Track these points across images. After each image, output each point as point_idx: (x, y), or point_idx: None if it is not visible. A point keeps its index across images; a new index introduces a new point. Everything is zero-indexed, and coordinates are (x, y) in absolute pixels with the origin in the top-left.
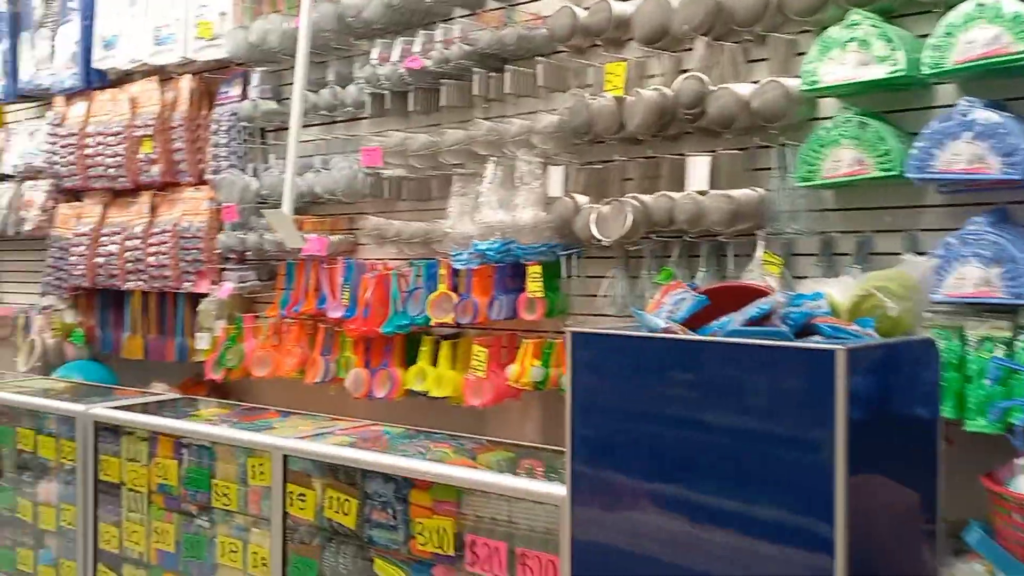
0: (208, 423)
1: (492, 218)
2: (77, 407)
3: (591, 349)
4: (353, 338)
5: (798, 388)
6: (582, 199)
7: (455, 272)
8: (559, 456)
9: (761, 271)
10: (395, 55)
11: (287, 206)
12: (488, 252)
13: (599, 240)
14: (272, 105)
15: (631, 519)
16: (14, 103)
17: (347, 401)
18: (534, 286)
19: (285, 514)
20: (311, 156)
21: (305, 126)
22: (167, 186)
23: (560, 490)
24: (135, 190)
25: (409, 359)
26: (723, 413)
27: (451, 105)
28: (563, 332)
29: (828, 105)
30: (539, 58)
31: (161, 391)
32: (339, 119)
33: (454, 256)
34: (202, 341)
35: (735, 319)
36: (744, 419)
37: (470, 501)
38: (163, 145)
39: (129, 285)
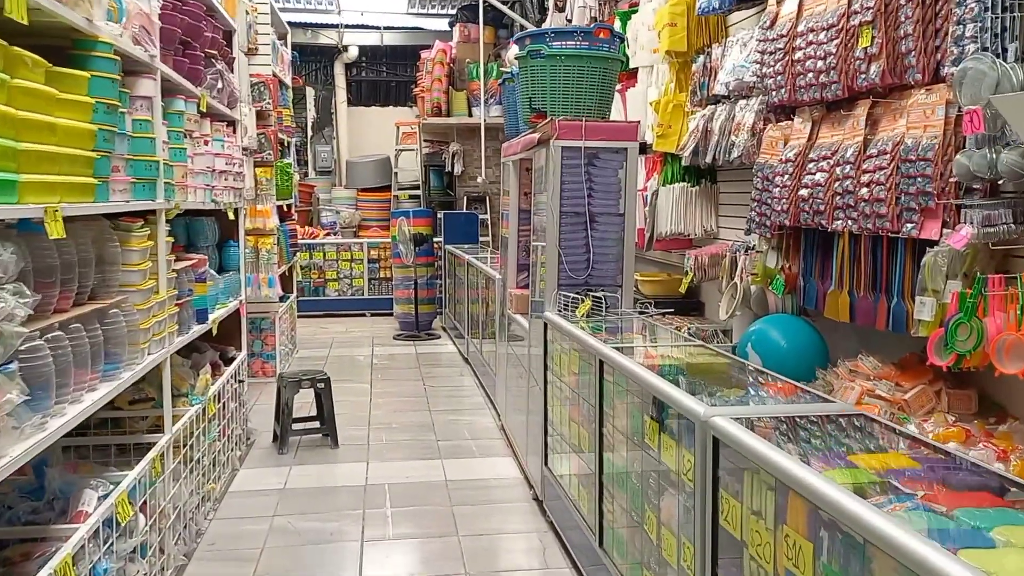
0: (864, 492)
1: None
2: (696, 407)
3: None
4: None
5: None
6: None
7: None
8: None
9: None
10: None
11: None
12: None
13: None
14: None
15: None
16: (733, 11)
17: None
18: None
19: None
20: None
21: None
22: (890, 91)
23: None
24: (851, 99)
25: None
26: None
27: None
28: None
29: None
30: None
31: (869, 370)
32: None
33: None
34: (924, 309)
35: None
36: None
37: None
38: (886, 33)
39: (836, 225)
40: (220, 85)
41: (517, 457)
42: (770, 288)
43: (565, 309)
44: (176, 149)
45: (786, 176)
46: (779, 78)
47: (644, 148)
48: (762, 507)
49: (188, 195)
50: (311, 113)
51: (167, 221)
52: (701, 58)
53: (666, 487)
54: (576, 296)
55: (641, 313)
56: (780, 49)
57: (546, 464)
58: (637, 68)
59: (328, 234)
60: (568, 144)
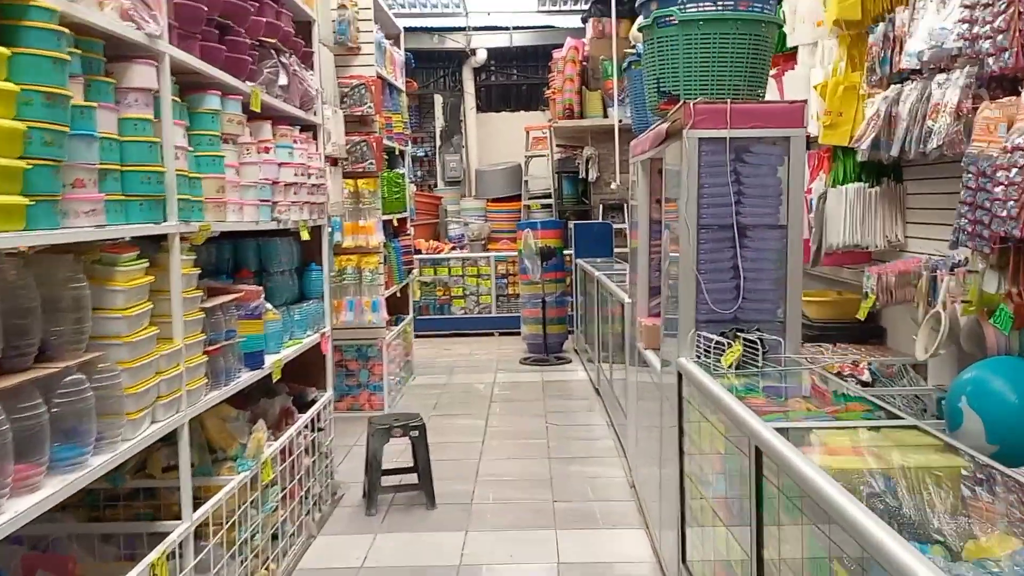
0: None
1: None
2: (903, 556)
3: None
4: None
5: None
6: None
7: None
8: None
9: None
10: None
11: None
12: None
13: None
14: None
15: None
16: None
17: None
18: None
19: None
20: None
21: None
22: None
23: None
24: None
25: None
26: None
27: None
28: None
29: None
30: None
31: None
32: None
33: None
34: None
35: None
36: None
37: None
38: None
39: None
40: (283, 81)
41: (649, 528)
42: (991, 321)
43: (706, 355)
44: (208, 157)
45: (1013, 171)
46: (1000, 38)
47: (808, 142)
48: None
49: (228, 213)
50: (439, 121)
51: (194, 247)
52: (880, 27)
53: None
54: (721, 338)
55: (816, 352)
56: (1002, 2)
57: (683, 561)
58: (796, 47)
59: (453, 248)
60: (707, 135)
